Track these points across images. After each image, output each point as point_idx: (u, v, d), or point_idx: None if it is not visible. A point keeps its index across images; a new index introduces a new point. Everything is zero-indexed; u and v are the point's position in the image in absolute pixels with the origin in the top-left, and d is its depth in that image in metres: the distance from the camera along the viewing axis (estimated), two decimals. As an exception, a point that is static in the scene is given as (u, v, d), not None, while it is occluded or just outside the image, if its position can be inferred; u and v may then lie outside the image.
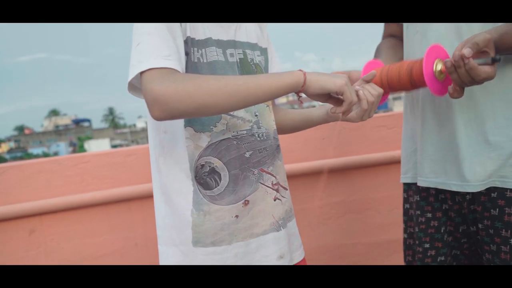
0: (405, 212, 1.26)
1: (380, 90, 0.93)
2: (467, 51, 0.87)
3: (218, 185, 0.89)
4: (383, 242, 1.85)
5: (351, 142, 1.85)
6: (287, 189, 1.01)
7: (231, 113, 0.90)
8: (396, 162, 1.83)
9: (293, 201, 1.02)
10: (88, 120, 63.48)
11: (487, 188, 1.03)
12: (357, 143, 1.85)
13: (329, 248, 1.82)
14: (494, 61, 0.88)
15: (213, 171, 0.89)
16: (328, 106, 1.02)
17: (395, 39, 1.24)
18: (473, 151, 1.04)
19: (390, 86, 1.02)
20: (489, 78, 0.90)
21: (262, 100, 0.82)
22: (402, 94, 1.21)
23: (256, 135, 0.94)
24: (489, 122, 1.02)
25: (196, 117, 0.87)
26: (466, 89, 0.99)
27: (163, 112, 0.76)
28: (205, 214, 0.88)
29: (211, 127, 0.88)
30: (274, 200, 0.95)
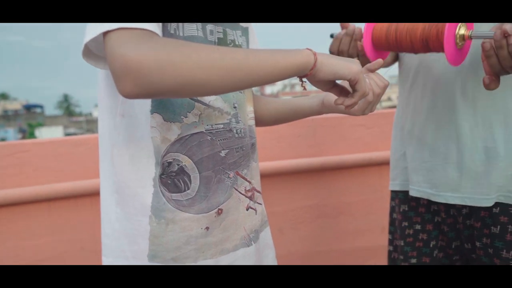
0: (392, 222, 1.14)
1: (387, 82, 0.79)
2: (510, 27, 0.73)
3: (188, 189, 0.71)
4: (357, 249, 1.73)
5: (328, 141, 1.72)
6: (260, 193, 0.85)
7: (206, 102, 0.72)
8: (373, 164, 1.74)
9: (264, 202, 0.88)
10: (41, 106, 60.49)
11: None
12: (333, 143, 1.73)
13: (300, 255, 1.68)
14: None
15: (182, 171, 0.71)
16: (322, 95, 0.87)
17: None
18: (478, 160, 0.91)
19: (397, 42, 0.88)
20: None
21: (262, 82, 0.64)
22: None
23: (234, 131, 0.76)
24: (498, 128, 0.90)
25: (178, 97, 0.69)
26: (474, 90, 0.87)
27: (136, 86, 0.55)
28: (167, 223, 0.70)
29: (182, 117, 0.70)
30: (247, 209, 0.79)
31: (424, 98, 0.99)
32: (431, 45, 0.84)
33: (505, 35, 0.74)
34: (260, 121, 0.93)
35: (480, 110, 0.91)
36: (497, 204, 0.91)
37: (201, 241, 0.72)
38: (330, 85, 0.72)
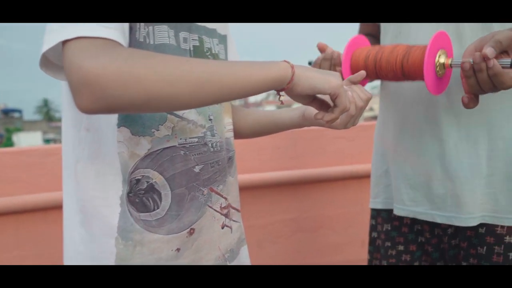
0: (371, 242, 1.10)
1: (370, 95, 0.77)
2: (489, 51, 0.71)
3: (157, 208, 0.67)
4: (337, 263, 1.70)
5: (308, 153, 1.70)
6: (239, 211, 0.82)
7: (180, 114, 0.69)
8: (353, 177, 1.72)
9: (242, 216, 0.84)
10: (19, 111, 59.19)
11: None
12: (314, 155, 1.70)
13: (279, 270, 1.64)
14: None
15: (152, 189, 0.67)
16: (303, 107, 0.84)
17: (372, 39, 1.09)
18: (463, 177, 0.89)
19: (377, 71, 0.85)
20: None
21: (236, 96, 0.61)
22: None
23: (210, 145, 0.73)
24: (482, 144, 0.88)
25: (142, 113, 0.64)
26: (458, 104, 0.84)
27: (95, 101, 0.51)
28: (135, 245, 0.66)
29: (153, 130, 0.66)
30: (222, 227, 0.76)
31: (407, 113, 0.97)
32: (411, 75, 0.82)
33: (485, 58, 0.72)
34: (239, 134, 0.90)
35: (464, 125, 0.89)
36: (483, 224, 0.89)
37: (172, 263, 0.68)
38: (309, 98, 0.69)
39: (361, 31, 1.13)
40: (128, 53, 0.54)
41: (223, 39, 0.80)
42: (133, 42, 0.62)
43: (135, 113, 0.65)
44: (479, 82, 0.75)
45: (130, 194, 0.66)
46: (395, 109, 1.00)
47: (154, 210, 0.67)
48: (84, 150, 0.66)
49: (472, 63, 0.74)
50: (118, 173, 0.65)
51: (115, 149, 0.65)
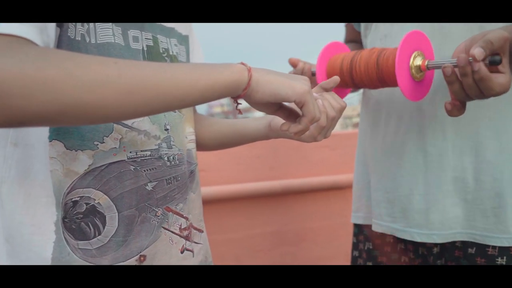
0: (353, 261, 1.02)
1: (344, 104, 0.68)
2: (478, 52, 0.62)
3: (99, 234, 0.58)
4: (319, 280, 1.62)
5: (289, 163, 1.62)
6: (202, 231, 0.73)
7: (129, 123, 0.60)
8: (337, 188, 1.64)
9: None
10: None
11: (463, 241, 0.82)
12: (295, 165, 1.62)
13: (258, 287, 1.56)
14: (492, 63, 0.63)
15: (93, 212, 0.58)
16: (270, 117, 0.76)
17: (357, 45, 1.03)
18: (447, 191, 0.81)
19: (353, 79, 0.77)
20: (504, 92, 0.65)
21: (179, 105, 0.52)
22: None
23: (166, 158, 0.64)
24: (468, 156, 0.80)
25: (62, 125, 0.56)
26: (444, 113, 0.77)
27: None
28: None
29: (96, 142, 0.58)
30: (182, 252, 0.67)
31: (389, 122, 0.90)
32: (385, 80, 0.74)
33: (471, 61, 0.63)
34: (202, 145, 0.82)
35: (451, 135, 0.81)
36: (472, 244, 0.81)
37: None
38: (274, 107, 0.60)
39: (347, 37, 1.06)
40: (38, 53, 0.44)
41: (184, 39, 0.72)
42: (65, 42, 0.53)
43: (54, 125, 0.56)
44: (465, 88, 0.66)
45: (65, 219, 0.56)
46: (377, 119, 0.92)
47: (94, 237, 0.58)
48: (10, 169, 0.57)
49: (454, 66, 0.65)
50: (51, 195, 0.56)
51: (46, 166, 0.56)
